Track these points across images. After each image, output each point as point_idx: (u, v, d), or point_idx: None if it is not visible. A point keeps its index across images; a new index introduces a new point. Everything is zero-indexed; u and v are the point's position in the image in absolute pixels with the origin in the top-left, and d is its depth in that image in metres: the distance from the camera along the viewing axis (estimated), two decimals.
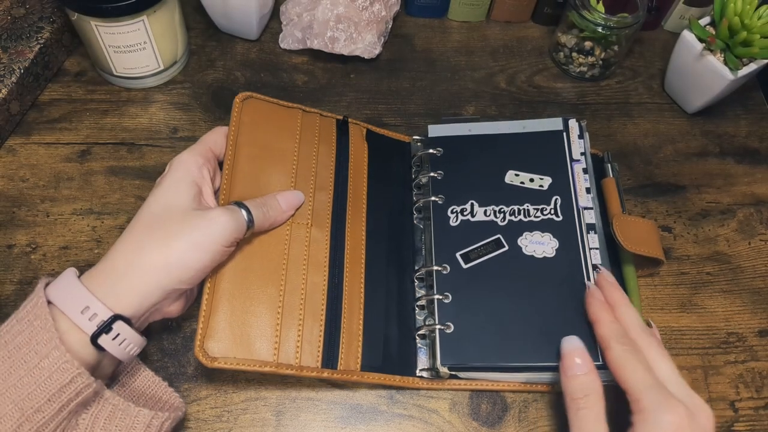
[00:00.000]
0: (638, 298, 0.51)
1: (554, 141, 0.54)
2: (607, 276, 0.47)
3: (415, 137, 0.58)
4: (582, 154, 0.53)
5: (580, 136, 0.54)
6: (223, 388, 0.47)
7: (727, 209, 0.59)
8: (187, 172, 0.44)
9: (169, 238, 0.40)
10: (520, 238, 0.50)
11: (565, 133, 0.54)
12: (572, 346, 0.43)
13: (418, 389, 0.48)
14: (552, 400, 0.48)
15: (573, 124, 0.54)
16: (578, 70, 0.66)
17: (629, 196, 0.59)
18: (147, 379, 0.44)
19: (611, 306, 0.45)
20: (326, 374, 0.43)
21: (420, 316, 0.50)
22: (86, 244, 0.52)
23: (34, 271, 0.51)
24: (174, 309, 0.44)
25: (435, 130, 0.56)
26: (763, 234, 0.58)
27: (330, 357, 0.44)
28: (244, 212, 0.43)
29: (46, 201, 0.54)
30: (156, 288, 0.40)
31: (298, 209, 0.48)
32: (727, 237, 0.57)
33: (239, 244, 0.44)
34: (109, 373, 0.42)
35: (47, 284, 0.39)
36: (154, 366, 0.47)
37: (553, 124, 0.55)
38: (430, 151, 0.54)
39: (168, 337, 0.48)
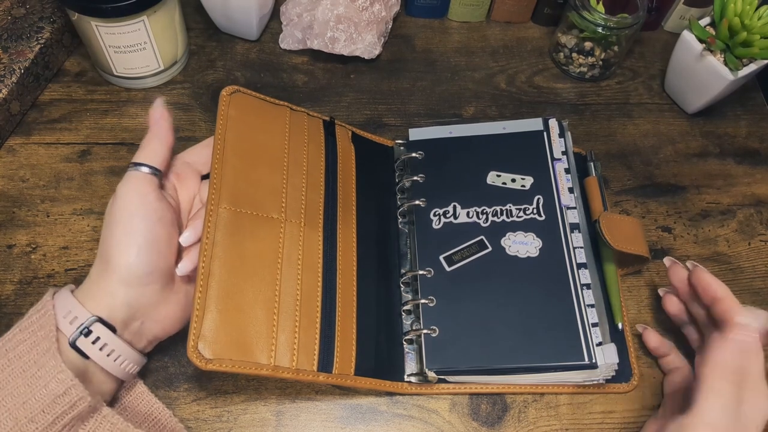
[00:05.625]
0: (618, 296, 0.51)
1: (535, 141, 0.54)
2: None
3: (397, 141, 0.57)
4: (563, 153, 0.53)
5: (561, 135, 0.54)
6: (223, 387, 0.47)
7: (727, 210, 0.59)
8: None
9: (104, 235, 0.41)
10: (503, 238, 0.50)
11: (545, 133, 0.54)
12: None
13: (407, 394, 0.48)
14: (551, 400, 0.48)
15: (553, 123, 0.55)
16: (578, 70, 0.66)
17: (629, 197, 0.59)
18: (148, 402, 0.43)
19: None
20: (321, 378, 0.43)
21: (407, 321, 0.49)
22: (86, 244, 0.52)
23: (34, 271, 0.51)
24: (168, 312, 0.43)
25: (416, 134, 0.56)
26: (763, 234, 0.58)
27: (325, 361, 0.43)
28: (140, 168, 0.42)
29: (46, 201, 0.54)
30: (116, 283, 0.40)
31: (289, 203, 0.46)
32: (727, 237, 0.57)
33: (229, 243, 0.43)
34: (109, 391, 0.42)
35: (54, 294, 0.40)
36: (154, 366, 0.47)
37: (533, 124, 0.55)
38: (412, 154, 0.54)
39: (168, 337, 0.48)
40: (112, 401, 0.42)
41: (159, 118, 0.44)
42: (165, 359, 0.48)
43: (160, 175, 0.43)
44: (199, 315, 0.40)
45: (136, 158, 0.43)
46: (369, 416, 0.47)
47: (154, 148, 0.43)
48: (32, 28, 0.59)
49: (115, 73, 0.59)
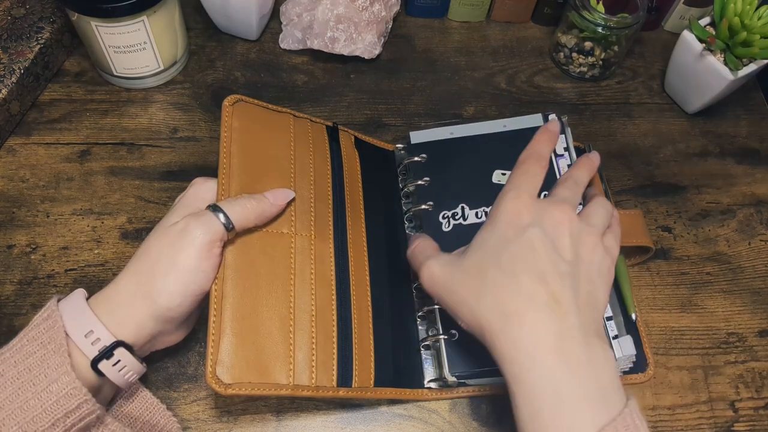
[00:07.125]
0: (629, 287, 0.50)
1: None
2: (594, 158, 0.47)
3: (398, 145, 0.57)
4: (565, 149, 0.53)
5: (562, 132, 0.54)
6: None
7: (727, 209, 0.59)
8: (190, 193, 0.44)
9: (152, 263, 0.39)
10: None
11: None
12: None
13: (428, 401, 0.48)
14: None
15: (553, 119, 0.54)
16: (578, 70, 0.66)
17: (629, 196, 0.59)
18: (146, 401, 0.43)
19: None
20: (342, 393, 0.42)
21: (422, 327, 0.49)
22: (86, 245, 0.52)
23: (34, 271, 0.51)
24: (174, 338, 0.44)
25: (417, 137, 0.55)
26: (763, 234, 0.58)
27: (345, 375, 0.43)
28: (220, 215, 0.40)
29: (46, 201, 0.54)
30: (148, 317, 0.39)
31: (298, 216, 0.46)
32: (727, 237, 0.57)
33: (241, 262, 0.42)
34: (109, 397, 0.42)
35: (59, 301, 0.39)
36: (155, 366, 0.47)
37: (534, 120, 0.55)
38: (415, 158, 0.54)
39: None
40: (112, 400, 0.43)
41: (283, 200, 0.44)
42: (165, 359, 0.48)
43: (231, 233, 0.41)
44: (215, 340, 0.39)
45: (222, 204, 0.41)
46: (369, 416, 0.47)
47: (246, 210, 0.41)
48: (32, 28, 0.59)
49: (115, 73, 0.59)
